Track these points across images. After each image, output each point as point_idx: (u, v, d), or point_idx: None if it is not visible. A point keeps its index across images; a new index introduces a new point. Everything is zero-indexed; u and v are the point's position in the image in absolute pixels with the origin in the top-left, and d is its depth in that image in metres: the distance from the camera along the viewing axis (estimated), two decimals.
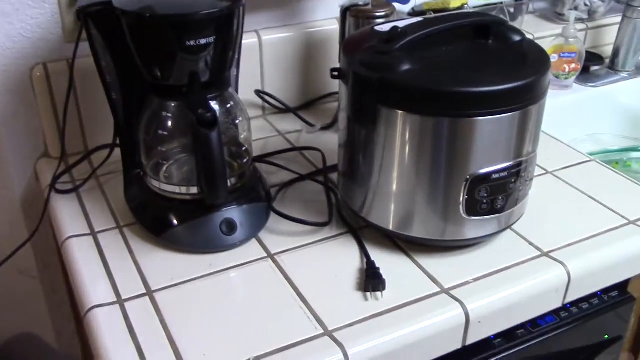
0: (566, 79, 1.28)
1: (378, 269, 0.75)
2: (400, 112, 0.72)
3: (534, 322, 0.79)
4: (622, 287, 0.85)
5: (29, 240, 0.97)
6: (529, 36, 1.16)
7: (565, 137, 1.07)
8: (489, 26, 0.79)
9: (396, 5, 1.09)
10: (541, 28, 1.37)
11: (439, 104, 0.70)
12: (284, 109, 1.13)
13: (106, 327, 0.69)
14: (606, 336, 0.87)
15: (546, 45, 1.27)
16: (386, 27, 0.80)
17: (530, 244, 0.80)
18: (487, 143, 0.72)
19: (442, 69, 0.73)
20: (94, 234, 0.83)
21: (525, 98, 0.72)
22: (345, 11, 1.01)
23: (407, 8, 1.28)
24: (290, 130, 1.08)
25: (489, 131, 0.71)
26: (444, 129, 0.71)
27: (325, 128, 1.08)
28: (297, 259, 0.78)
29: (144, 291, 0.74)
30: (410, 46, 0.73)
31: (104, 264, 0.78)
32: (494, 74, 0.73)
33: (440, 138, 0.72)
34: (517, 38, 0.79)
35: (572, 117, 1.26)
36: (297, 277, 0.75)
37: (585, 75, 1.33)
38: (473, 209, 0.74)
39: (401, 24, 0.78)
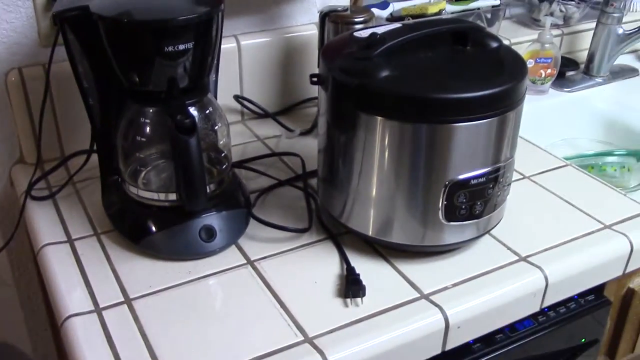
0: (542, 84, 1.30)
1: (358, 275, 0.75)
2: (379, 118, 0.72)
3: (512, 327, 0.80)
4: (598, 290, 0.86)
5: (4, 248, 0.95)
6: (505, 41, 1.17)
7: (541, 142, 1.08)
8: (466, 33, 0.80)
9: (374, 10, 1.10)
10: (518, 33, 1.39)
11: (417, 110, 0.70)
12: (262, 114, 1.13)
13: (83, 336, 0.68)
14: (583, 340, 0.88)
15: (522, 50, 1.29)
16: (365, 33, 0.80)
17: (509, 248, 0.81)
18: (466, 149, 0.72)
19: (421, 75, 0.74)
20: (70, 241, 0.82)
21: (503, 104, 0.72)
22: (324, 16, 1.01)
23: (385, 13, 1.29)
24: (270, 135, 1.08)
25: (467, 137, 0.72)
26: (422, 135, 0.71)
27: (305, 133, 1.08)
28: (276, 265, 0.78)
29: (122, 299, 0.73)
30: (389, 52, 0.74)
31: (81, 272, 0.77)
32: (472, 80, 0.73)
33: (419, 144, 0.72)
34: (494, 44, 0.80)
35: (548, 121, 1.28)
36: (277, 283, 0.75)
37: (561, 80, 1.35)
38: (452, 214, 0.74)
39: (380, 30, 0.79)
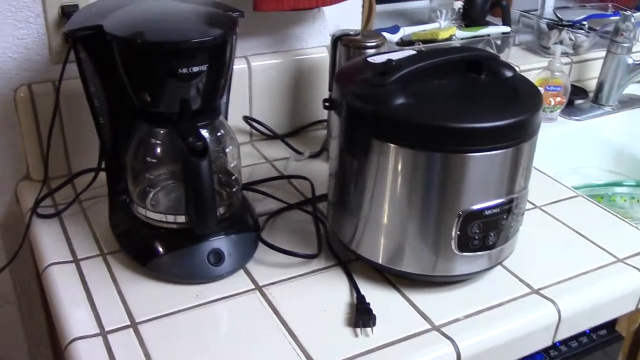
0: (551, 112, 1.29)
1: (368, 304, 0.74)
2: (393, 145, 0.71)
3: None
4: (610, 325, 0.85)
5: (8, 265, 0.94)
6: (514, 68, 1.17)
7: (549, 170, 1.07)
8: (481, 61, 0.80)
9: (385, 34, 1.09)
10: (527, 60, 1.39)
11: (432, 139, 0.70)
12: (271, 136, 1.12)
13: None
14: None
15: (532, 77, 1.28)
16: (379, 59, 0.80)
17: (521, 280, 0.80)
18: (480, 179, 0.71)
19: (436, 104, 0.73)
20: (76, 261, 0.81)
21: (518, 135, 0.72)
22: (336, 40, 1.00)
23: (395, 38, 1.28)
24: (278, 157, 1.07)
25: (482, 167, 0.71)
26: (436, 164, 0.71)
27: (314, 156, 1.07)
28: (285, 291, 0.77)
29: (128, 323, 0.71)
30: (403, 79, 0.73)
31: (87, 294, 0.75)
32: (487, 110, 0.72)
33: (433, 173, 0.71)
34: (509, 74, 0.79)
35: (556, 149, 1.27)
36: (285, 310, 0.74)
37: (570, 108, 1.35)
38: (465, 244, 0.73)
39: (394, 56, 0.78)
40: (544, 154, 1.13)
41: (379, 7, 1.34)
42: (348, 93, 0.74)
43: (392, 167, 0.72)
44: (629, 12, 1.31)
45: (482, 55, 0.81)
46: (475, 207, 0.72)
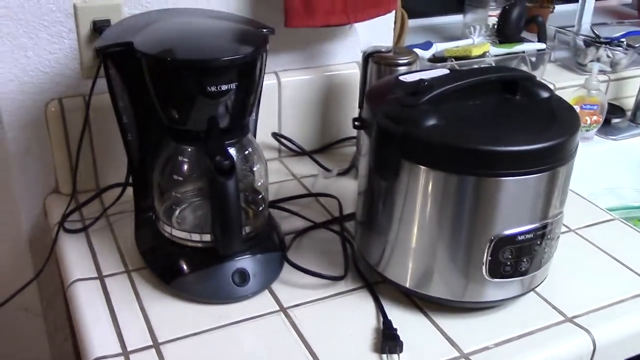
0: (587, 131, 1.26)
1: (395, 330, 0.72)
2: (423, 167, 0.70)
3: None
4: None
5: (35, 279, 0.94)
6: (550, 86, 1.14)
7: (584, 190, 1.04)
8: (517, 82, 0.77)
9: (417, 50, 1.08)
10: (563, 78, 1.36)
11: (464, 162, 0.68)
12: (300, 152, 1.11)
13: None
14: None
15: (568, 95, 1.25)
16: (410, 78, 0.78)
17: (554, 308, 0.77)
18: (513, 204, 0.69)
19: (469, 126, 0.71)
20: (101, 277, 0.81)
21: (554, 158, 0.69)
22: (367, 57, 0.99)
23: (428, 54, 1.27)
24: (306, 174, 1.06)
25: (516, 192, 0.69)
26: (468, 187, 0.69)
27: (342, 173, 1.06)
28: (310, 314, 0.75)
29: (151, 343, 0.71)
30: (436, 100, 0.72)
31: (110, 312, 0.75)
32: (522, 132, 0.70)
33: (464, 196, 0.69)
34: (545, 95, 0.77)
35: (591, 169, 1.24)
36: (310, 333, 0.72)
37: (606, 127, 1.31)
38: (496, 270, 0.71)
39: (426, 75, 0.77)
40: (578, 174, 1.09)
41: (411, 22, 1.33)
42: (379, 113, 0.73)
43: (422, 189, 0.71)
44: None
45: (517, 76, 0.79)
46: (508, 232, 0.70)
